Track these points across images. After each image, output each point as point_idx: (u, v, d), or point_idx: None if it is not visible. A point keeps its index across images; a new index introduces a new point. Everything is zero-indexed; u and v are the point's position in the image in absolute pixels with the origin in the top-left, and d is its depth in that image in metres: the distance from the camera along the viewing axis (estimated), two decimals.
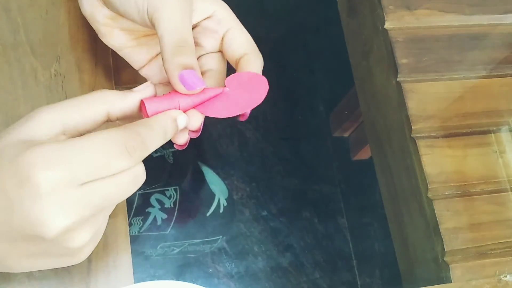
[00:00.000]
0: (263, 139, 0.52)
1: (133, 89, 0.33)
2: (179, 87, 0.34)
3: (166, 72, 0.34)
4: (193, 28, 0.39)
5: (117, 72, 0.47)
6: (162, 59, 0.35)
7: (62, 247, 0.29)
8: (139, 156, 0.29)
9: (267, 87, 0.36)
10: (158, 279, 0.45)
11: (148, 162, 0.30)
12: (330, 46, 0.61)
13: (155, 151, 0.32)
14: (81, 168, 0.28)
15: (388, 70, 0.55)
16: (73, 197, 0.28)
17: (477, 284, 0.48)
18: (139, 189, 0.31)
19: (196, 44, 0.40)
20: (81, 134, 0.31)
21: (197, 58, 0.40)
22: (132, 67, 0.43)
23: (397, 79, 0.54)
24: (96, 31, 0.40)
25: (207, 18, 0.39)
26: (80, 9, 0.41)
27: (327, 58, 0.65)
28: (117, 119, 0.33)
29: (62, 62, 0.45)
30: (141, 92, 0.34)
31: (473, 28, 0.57)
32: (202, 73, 0.38)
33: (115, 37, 0.40)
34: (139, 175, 0.30)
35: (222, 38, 0.39)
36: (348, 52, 0.62)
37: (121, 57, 0.44)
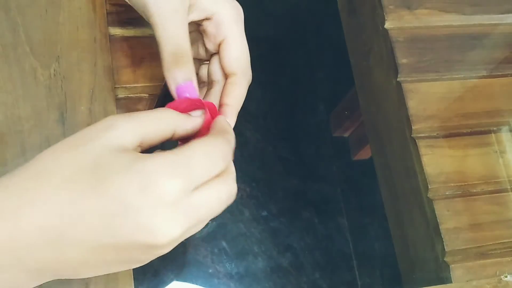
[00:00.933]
0: (263, 139, 0.52)
1: (192, 114, 0.34)
2: (176, 98, 0.35)
3: (165, 80, 0.35)
4: (197, 26, 0.39)
5: (116, 72, 0.47)
6: (161, 64, 0.36)
7: (154, 255, 0.30)
8: (230, 159, 0.31)
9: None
10: (158, 279, 0.45)
11: None
12: (330, 46, 0.61)
13: (154, 149, 0.33)
14: (197, 177, 0.29)
15: (388, 70, 0.55)
16: (188, 206, 0.28)
17: (478, 285, 0.48)
18: None
19: (198, 45, 0.40)
20: (150, 147, 0.32)
21: (204, 65, 0.41)
22: (131, 67, 0.43)
23: (397, 79, 0.53)
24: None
25: (207, 19, 0.38)
26: (79, 9, 0.41)
27: (327, 58, 0.65)
28: (178, 139, 0.34)
29: (62, 62, 0.45)
30: (197, 119, 0.34)
31: (474, 28, 0.57)
32: (210, 83, 0.39)
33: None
34: (234, 188, 0.31)
35: (219, 44, 0.38)
36: (348, 52, 0.62)
37: (121, 57, 0.45)
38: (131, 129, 0.30)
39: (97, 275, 0.31)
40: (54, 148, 0.29)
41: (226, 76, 0.39)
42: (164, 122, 0.32)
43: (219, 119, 0.34)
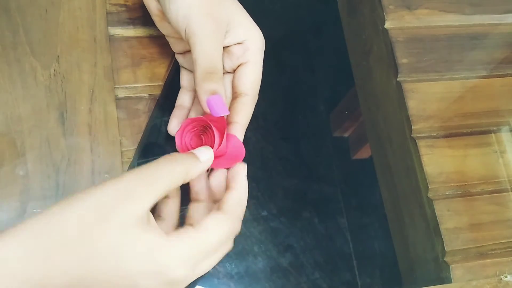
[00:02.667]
0: (263, 139, 0.52)
1: (200, 157, 0.37)
2: (206, 110, 0.38)
3: (196, 93, 0.39)
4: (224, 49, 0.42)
5: (116, 72, 0.47)
6: (194, 80, 0.39)
7: None
8: (235, 234, 0.37)
9: (243, 155, 0.41)
10: None
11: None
12: (330, 46, 0.61)
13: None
14: (203, 266, 0.35)
15: (388, 70, 0.55)
16: (192, 277, 0.34)
17: (478, 285, 0.48)
18: None
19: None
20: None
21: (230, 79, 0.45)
22: (131, 67, 0.43)
23: (397, 79, 0.53)
24: (151, 15, 0.44)
25: (239, 43, 0.42)
26: (79, 9, 0.41)
27: (327, 58, 0.64)
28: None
29: (62, 62, 0.45)
30: (208, 161, 0.38)
31: (474, 28, 0.57)
32: (235, 96, 0.43)
33: (162, 26, 0.44)
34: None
35: (238, 65, 0.42)
36: (348, 52, 0.62)
37: (121, 57, 0.46)
38: (148, 199, 0.32)
39: None
40: (75, 219, 0.31)
41: (235, 94, 0.42)
42: (177, 178, 0.35)
43: (237, 191, 0.38)
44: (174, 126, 0.44)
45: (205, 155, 0.37)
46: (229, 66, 0.43)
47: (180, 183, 0.35)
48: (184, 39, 0.41)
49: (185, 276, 0.33)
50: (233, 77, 0.43)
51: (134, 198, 0.31)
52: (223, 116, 0.39)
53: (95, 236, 0.30)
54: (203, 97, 0.39)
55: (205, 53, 0.39)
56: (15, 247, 0.29)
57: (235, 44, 0.42)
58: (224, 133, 0.39)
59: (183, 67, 0.46)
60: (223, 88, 0.40)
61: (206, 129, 0.41)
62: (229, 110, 0.42)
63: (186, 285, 0.34)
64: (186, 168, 0.35)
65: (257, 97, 0.43)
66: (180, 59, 0.46)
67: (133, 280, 0.31)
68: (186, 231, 0.33)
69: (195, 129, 0.41)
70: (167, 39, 0.45)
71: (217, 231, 0.34)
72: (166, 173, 0.34)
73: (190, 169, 0.36)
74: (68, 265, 0.30)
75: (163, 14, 0.42)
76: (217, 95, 0.39)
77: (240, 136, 0.42)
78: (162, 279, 0.32)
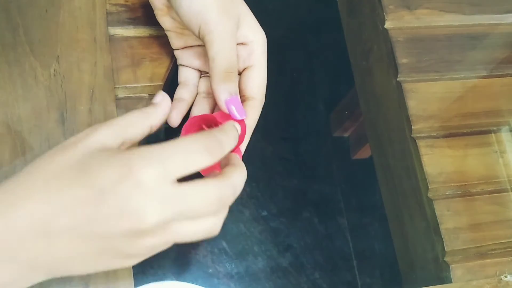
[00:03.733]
0: (263, 139, 0.52)
1: (153, 101, 0.36)
2: (224, 109, 0.38)
3: (213, 92, 0.39)
4: None
5: (116, 72, 0.47)
6: (211, 78, 0.39)
7: (142, 244, 0.31)
8: (218, 155, 0.32)
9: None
10: (158, 279, 0.44)
11: None
12: (330, 46, 0.61)
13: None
14: (174, 165, 0.30)
15: (388, 70, 0.55)
16: (168, 193, 0.30)
17: (478, 284, 0.48)
18: None
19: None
20: (134, 144, 0.35)
21: (204, 77, 0.45)
22: (131, 67, 0.43)
23: (397, 79, 0.53)
24: (153, 8, 0.44)
25: (244, 44, 0.42)
26: (79, 9, 0.41)
27: (327, 58, 0.65)
28: (155, 130, 0.36)
29: (62, 62, 0.45)
30: (163, 105, 0.37)
31: (473, 28, 0.57)
32: (243, 99, 0.42)
33: (164, 21, 0.44)
34: (225, 191, 0.33)
35: (244, 68, 0.42)
36: (348, 52, 0.62)
37: (121, 57, 0.46)
38: (111, 132, 0.32)
39: (89, 272, 0.32)
40: (46, 154, 0.32)
41: (243, 98, 0.42)
42: (141, 122, 0.34)
43: (236, 166, 0.36)
44: (174, 117, 0.43)
45: (159, 100, 0.37)
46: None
47: (146, 131, 0.35)
48: (196, 36, 0.40)
49: (153, 177, 0.29)
50: (240, 80, 0.43)
51: (96, 132, 0.32)
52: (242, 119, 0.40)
53: (60, 162, 0.31)
54: (222, 97, 0.39)
55: (225, 52, 0.39)
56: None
57: (240, 44, 0.42)
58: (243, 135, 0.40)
59: (182, 64, 0.46)
60: (238, 89, 0.40)
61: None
62: None
63: (159, 241, 0.31)
64: (148, 117, 0.35)
65: (263, 100, 0.43)
66: (178, 55, 0.46)
67: (100, 185, 0.29)
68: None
69: (201, 127, 0.41)
70: (167, 33, 0.45)
71: (182, 143, 0.32)
72: (128, 121, 0.34)
73: (154, 116, 0.36)
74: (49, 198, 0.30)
75: (168, 9, 0.42)
76: (236, 97, 0.39)
77: (247, 139, 0.42)
78: (128, 178, 0.29)
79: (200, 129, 0.41)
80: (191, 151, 0.31)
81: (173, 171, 0.30)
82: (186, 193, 0.31)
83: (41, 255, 0.30)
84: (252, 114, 0.42)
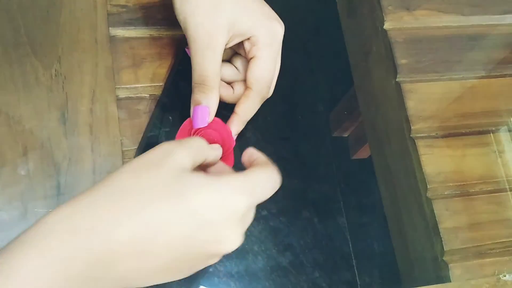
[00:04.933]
0: (263, 139, 0.52)
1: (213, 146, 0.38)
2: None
3: None
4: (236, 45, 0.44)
5: (117, 73, 0.47)
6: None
7: (215, 261, 0.34)
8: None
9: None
10: None
11: None
12: (330, 46, 0.61)
13: None
14: (260, 197, 0.33)
15: (388, 71, 0.55)
16: (249, 219, 0.33)
17: (476, 284, 0.48)
18: None
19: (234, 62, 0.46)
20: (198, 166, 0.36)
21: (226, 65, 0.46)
22: (132, 68, 0.44)
23: (397, 79, 0.54)
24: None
25: (248, 38, 0.43)
26: (81, 10, 0.41)
27: (327, 58, 0.65)
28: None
29: (63, 63, 0.45)
30: (220, 149, 0.39)
31: (472, 28, 0.57)
32: (245, 88, 0.44)
33: None
34: None
35: (250, 59, 0.43)
36: (347, 52, 0.62)
37: (122, 58, 0.46)
38: (186, 155, 0.33)
39: (161, 282, 0.33)
40: (128, 170, 0.32)
41: (245, 87, 0.44)
42: (203, 150, 0.35)
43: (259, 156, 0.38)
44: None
45: (217, 147, 0.38)
46: (243, 66, 0.45)
47: (202, 161, 0.36)
48: None
49: (248, 205, 0.32)
50: (246, 70, 0.44)
51: (175, 153, 0.32)
52: (224, 127, 0.42)
53: (151, 181, 0.31)
54: (192, 105, 0.41)
55: (197, 64, 0.41)
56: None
57: (245, 39, 0.43)
58: (225, 146, 0.41)
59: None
60: (214, 101, 0.41)
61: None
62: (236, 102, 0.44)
63: (247, 222, 0.33)
64: (207, 151, 0.36)
65: (265, 92, 0.44)
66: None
67: (199, 211, 0.30)
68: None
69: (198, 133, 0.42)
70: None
71: (264, 172, 0.34)
72: (197, 146, 0.35)
73: (210, 153, 0.37)
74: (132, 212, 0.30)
75: None
76: (202, 106, 0.41)
77: (234, 127, 0.43)
78: (226, 207, 0.31)
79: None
80: (272, 182, 0.34)
81: (259, 199, 0.33)
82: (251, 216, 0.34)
83: (131, 273, 0.30)
84: (245, 103, 0.43)
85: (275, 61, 0.44)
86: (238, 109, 0.43)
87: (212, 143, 0.41)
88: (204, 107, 0.41)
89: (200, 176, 0.32)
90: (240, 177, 0.33)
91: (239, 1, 0.42)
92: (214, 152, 0.37)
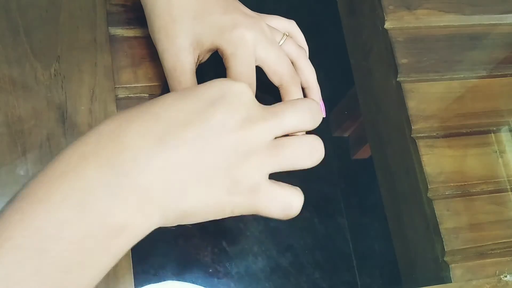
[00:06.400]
0: None
1: None
2: None
3: None
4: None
5: (116, 72, 0.47)
6: None
7: (249, 167, 0.32)
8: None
9: None
10: (158, 279, 0.45)
11: None
12: (330, 46, 0.61)
13: None
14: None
15: (388, 70, 0.55)
16: (265, 109, 0.33)
17: (477, 284, 0.48)
18: None
19: None
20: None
21: None
22: (131, 68, 0.43)
23: (397, 79, 0.54)
24: None
25: (217, 50, 0.43)
26: (80, 9, 0.41)
27: (327, 58, 0.64)
28: None
29: (62, 62, 0.45)
30: None
31: (473, 28, 0.57)
32: None
33: None
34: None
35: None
36: (348, 52, 0.62)
37: (121, 57, 0.46)
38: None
39: (202, 211, 0.32)
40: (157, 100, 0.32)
41: None
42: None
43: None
44: None
45: None
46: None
47: None
48: None
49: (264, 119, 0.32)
50: None
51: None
52: None
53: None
54: None
55: (169, 86, 0.43)
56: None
57: (217, 50, 0.43)
58: None
59: None
60: None
61: None
62: None
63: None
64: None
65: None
66: None
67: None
68: None
69: None
70: None
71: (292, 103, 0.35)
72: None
73: None
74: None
75: None
76: None
77: None
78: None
79: None
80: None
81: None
82: (277, 109, 0.33)
83: (156, 182, 0.29)
84: None
85: (247, 67, 0.42)
86: None
87: None
88: None
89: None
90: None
91: (198, 17, 0.42)
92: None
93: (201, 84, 0.33)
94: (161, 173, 0.29)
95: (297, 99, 0.36)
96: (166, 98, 0.32)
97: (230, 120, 0.31)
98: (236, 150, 0.31)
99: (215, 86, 0.32)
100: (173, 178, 0.29)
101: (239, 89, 0.32)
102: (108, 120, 0.31)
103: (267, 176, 0.33)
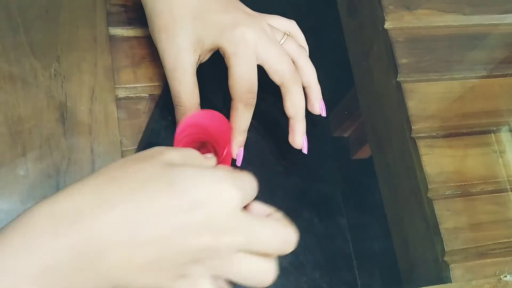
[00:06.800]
0: (263, 139, 0.52)
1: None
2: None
3: None
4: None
5: (116, 72, 0.47)
6: None
7: (202, 268, 0.32)
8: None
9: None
10: None
11: None
12: (330, 46, 0.61)
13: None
14: (249, 193, 0.33)
15: (388, 70, 0.55)
16: (244, 218, 0.32)
17: (477, 284, 0.48)
18: None
19: None
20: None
21: None
22: (131, 68, 0.43)
23: (397, 79, 0.54)
24: None
25: (220, 49, 0.43)
26: (80, 9, 0.41)
27: (327, 58, 0.64)
28: None
29: (62, 62, 0.45)
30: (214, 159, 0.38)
31: (473, 28, 0.57)
32: None
33: None
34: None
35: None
36: (348, 52, 0.62)
37: (121, 57, 0.46)
38: (177, 154, 0.33)
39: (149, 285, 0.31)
40: (120, 161, 0.31)
41: None
42: (195, 158, 0.34)
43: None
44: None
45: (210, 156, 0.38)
46: None
47: (198, 155, 0.35)
48: None
49: (238, 199, 0.31)
50: None
51: (165, 151, 0.33)
52: (227, 125, 0.41)
53: (140, 171, 0.31)
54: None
55: (170, 87, 0.44)
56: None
57: (218, 49, 0.43)
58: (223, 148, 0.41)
59: None
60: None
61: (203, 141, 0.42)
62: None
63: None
64: (199, 155, 0.36)
65: (245, 99, 0.43)
66: None
67: (190, 197, 0.30)
68: None
69: (192, 135, 0.41)
70: None
71: (275, 223, 0.34)
72: (187, 149, 0.35)
73: (201, 159, 0.36)
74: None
75: None
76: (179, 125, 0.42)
77: (233, 140, 0.44)
78: (216, 196, 0.31)
79: (192, 138, 0.41)
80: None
81: (247, 199, 0.32)
82: (256, 223, 0.32)
83: (118, 267, 0.29)
84: (232, 114, 0.43)
85: (248, 66, 0.42)
86: (231, 122, 0.43)
87: (208, 140, 0.41)
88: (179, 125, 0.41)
89: (194, 168, 0.31)
90: (225, 170, 0.32)
91: (199, 17, 0.42)
92: (207, 161, 0.36)
93: (197, 179, 0.31)
94: (127, 262, 0.29)
95: (281, 224, 0.34)
96: (158, 188, 0.30)
97: (203, 229, 0.30)
98: (197, 252, 0.30)
99: (205, 187, 0.30)
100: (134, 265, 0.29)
101: (227, 197, 0.31)
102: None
103: (217, 280, 0.32)
